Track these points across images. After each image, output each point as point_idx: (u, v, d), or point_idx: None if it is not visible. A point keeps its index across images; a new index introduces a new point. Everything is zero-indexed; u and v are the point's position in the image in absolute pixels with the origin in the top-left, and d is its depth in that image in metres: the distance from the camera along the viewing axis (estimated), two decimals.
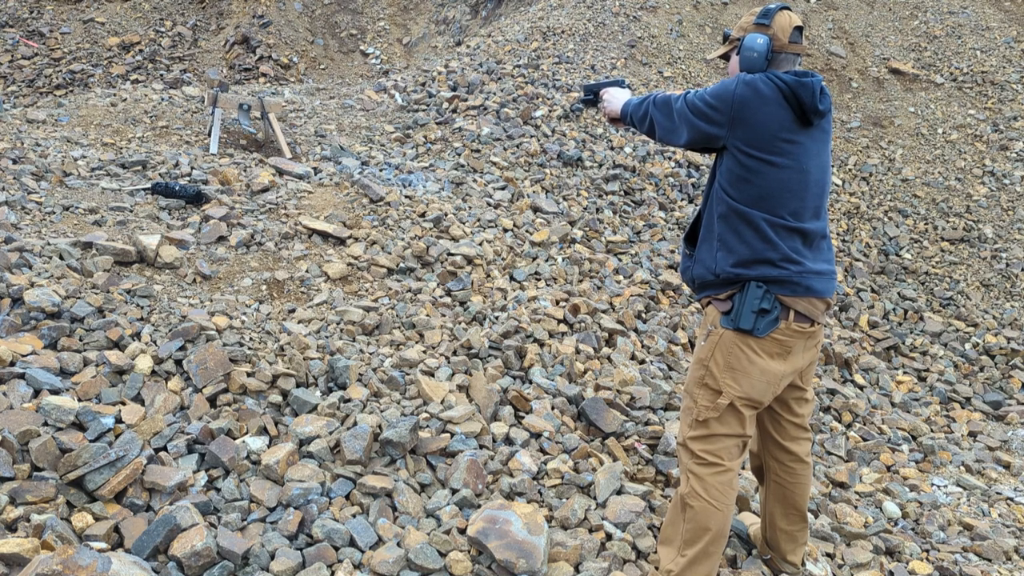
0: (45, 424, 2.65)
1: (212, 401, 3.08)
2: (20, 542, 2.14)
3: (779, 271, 2.36)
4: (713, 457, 2.43)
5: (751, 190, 2.38)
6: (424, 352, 3.74)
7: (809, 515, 3.35)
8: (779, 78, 2.37)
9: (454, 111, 7.42)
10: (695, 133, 2.47)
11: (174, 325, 3.42)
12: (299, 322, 3.82)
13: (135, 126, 6.69)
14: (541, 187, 6.17)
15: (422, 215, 5.09)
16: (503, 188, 5.94)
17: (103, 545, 2.31)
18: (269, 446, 2.90)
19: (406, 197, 5.33)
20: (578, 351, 4.04)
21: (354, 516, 2.67)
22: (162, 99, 7.45)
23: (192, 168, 5.52)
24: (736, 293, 2.41)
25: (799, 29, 2.52)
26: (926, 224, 7.59)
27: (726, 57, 2.70)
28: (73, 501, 2.46)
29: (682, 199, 6.70)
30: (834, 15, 10.37)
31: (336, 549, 2.52)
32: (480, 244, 4.90)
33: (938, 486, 4.11)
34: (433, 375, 3.56)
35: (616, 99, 2.86)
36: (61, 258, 3.76)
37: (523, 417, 3.42)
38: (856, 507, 3.61)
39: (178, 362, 3.19)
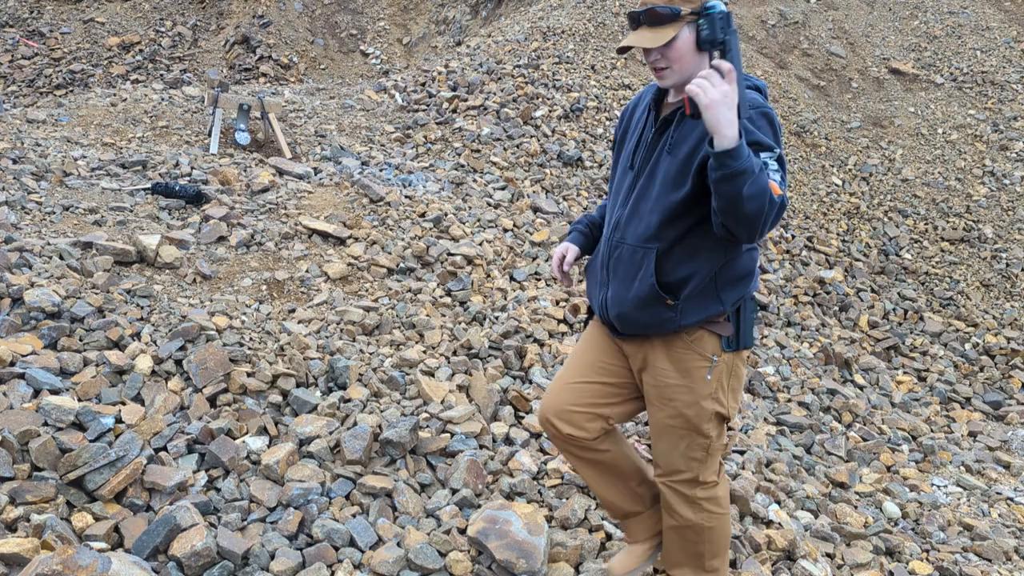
0: (45, 424, 2.65)
1: (212, 401, 3.08)
2: (20, 542, 2.14)
3: (755, 283, 2.22)
4: (716, 476, 2.32)
5: None
6: (424, 352, 3.74)
7: (808, 515, 3.35)
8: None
9: (454, 111, 7.42)
10: None
11: (174, 325, 3.42)
12: (299, 322, 3.81)
13: (135, 126, 6.69)
14: (541, 187, 6.17)
15: (422, 215, 5.09)
16: (503, 188, 5.94)
17: (103, 545, 2.31)
18: (269, 446, 2.90)
19: (406, 197, 5.33)
20: None
21: (354, 516, 2.67)
22: (162, 99, 7.45)
23: (192, 168, 5.52)
24: (732, 313, 2.16)
25: None
26: (926, 224, 7.59)
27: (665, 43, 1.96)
28: (73, 501, 2.46)
29: None
30: (834, 15, 10.37)
31: (336, 549, 2.52)
32: (480, 244, 4.90)
33: (938, 486, 4.11)
34: (433, 375, 3.55)
35: (724, 122, 1.74)
36: (61, 258, 3.76)
37: (523, 417, 3.42)
38: (856, 507, 3.61)
39: (178, 362, 3.19)
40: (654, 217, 2.06)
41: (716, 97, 1.74)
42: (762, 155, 1.86)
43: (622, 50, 2.04)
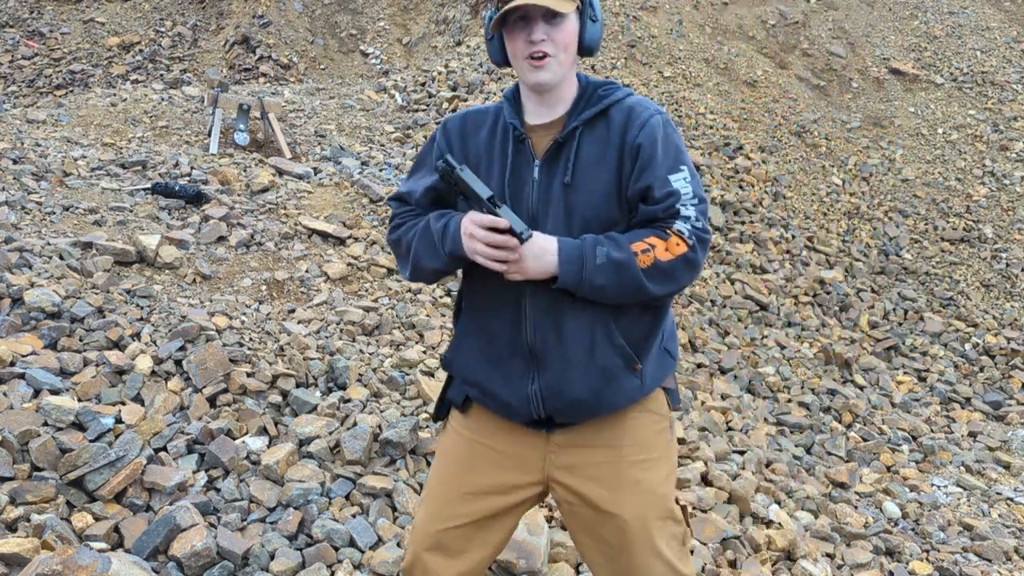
0: (45, 424, 2.65)
1: (212, 401, 3.07)
2: (20, 542, 2.14)
3: None
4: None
5: None
6: (424, 352, 3.74)
7: (808, 515, 3.35)
8: None
9: (454, 111, 7.42)
10: None
11: (174, 325, 3.42)
12: (299, 322, 3.82)
13: (135, 126, 6.69)
14: None
15: None
16: None
17: (103, 545, 2.31)
18: (269, 446, 2.89)
19: None
20: None
21: (354, 516, 2.67)
22: (162, 99, 7.45)
23: (192, 168, 5.52)
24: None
25: None
26: (926, 224, 7.59)
27: (550, 16, 1.57)
28: (73, 501, 2.46)
29: None
30: (834, 15, 10.37)
31: (336, 549, 2.52)
32: None
33: (938, 486, 4.11)
34: (433, 375, 3.56)
35: (540, 269, 1.55)
36: (61, 258, 3.76)
37: None
38: (856, 507, 3.61)
39: (178, 362, 3.19)
40: None
41: (525, 264, 1.52)
42: (672, 179, 1.55)
43: (504, 19, 1.56)
